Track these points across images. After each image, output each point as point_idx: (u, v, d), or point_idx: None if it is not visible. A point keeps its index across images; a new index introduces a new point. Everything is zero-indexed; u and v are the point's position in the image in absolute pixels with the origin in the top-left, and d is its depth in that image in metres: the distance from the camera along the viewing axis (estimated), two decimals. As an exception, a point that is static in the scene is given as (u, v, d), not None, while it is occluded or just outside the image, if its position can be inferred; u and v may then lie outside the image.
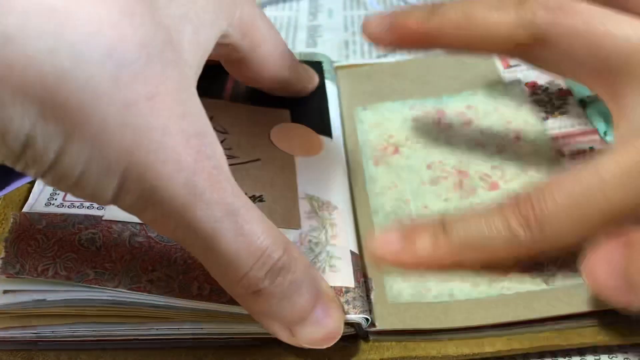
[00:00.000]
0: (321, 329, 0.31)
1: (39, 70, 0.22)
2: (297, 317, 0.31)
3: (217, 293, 0.33)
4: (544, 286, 0.37)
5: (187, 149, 0.26)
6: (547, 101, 0.50)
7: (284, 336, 0.32)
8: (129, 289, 0.33)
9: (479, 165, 0.45)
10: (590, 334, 0.36)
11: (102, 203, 0.26)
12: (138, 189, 0.25)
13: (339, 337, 0.32)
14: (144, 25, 0.24)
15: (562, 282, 0.37)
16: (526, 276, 0.37)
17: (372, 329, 0.36)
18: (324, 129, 0.47)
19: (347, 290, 0.36)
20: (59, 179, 0.25)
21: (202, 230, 0.27)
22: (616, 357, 0.37)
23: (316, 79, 0.50)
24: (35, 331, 0.35)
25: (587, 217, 0.32)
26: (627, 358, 0.36)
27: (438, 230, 0.33)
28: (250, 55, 0.38)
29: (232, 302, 0.33)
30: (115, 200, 0.26)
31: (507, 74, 0.53)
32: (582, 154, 0.45)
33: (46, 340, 0.35)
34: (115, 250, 0.34)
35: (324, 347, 0.32)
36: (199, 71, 0.31)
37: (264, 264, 0.29)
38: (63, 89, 0.22)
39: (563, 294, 0.36)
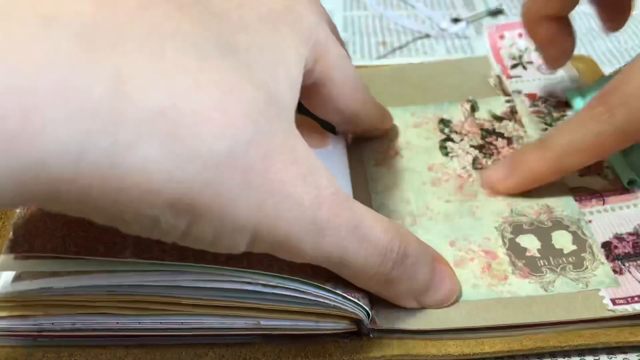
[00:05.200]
0: (441, 291, 0.36)
1: (167, 178, 0.23)
2: (422, 289, 0.35)
3: (234, 260, 0.32)
4: (542, 292, 0.38)
5: (306, 189, 0.27)
6: (547, 113, 0.51)
7: (412, 305, 0.36)
8: (141, 259, 0.32)
9: (479, 171, 0.46)
10: (590, 336, 0.36)
11: (237, 252, 0.28)
12: (269, 238, 0.28)
13: (457, 293, 0.37)
14: (243, 94, 0.25)
15: (560, 289, 0.38)
16: (525, 282, 0.38)
17: (374, 327, 0.36)
18: (328, 125, 0.47)
19: None
20: (194, 242, 0.27)
21: (332, 252, 0.30)
22: (616, 357, 0.37)
23: (389, 121, 0.48)
24: (35, 322, 0.34)
25: None
26: (626, 359, 0.37)
27: (539, 146, 0.41)
28: (321, 81, 0.36)
29: (250, 266, 0.32)
30: (250, 249, 0.28)
31: (508, 84, 0.54)
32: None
33: (47, 335, 0.35)
34: None
35: (447, 305, 0.37)
36: (296, 102, 0.31)
37: (388, 259, 0.32)
38: (188, 191, 0.24)
39: (562, 300, 0.37)
